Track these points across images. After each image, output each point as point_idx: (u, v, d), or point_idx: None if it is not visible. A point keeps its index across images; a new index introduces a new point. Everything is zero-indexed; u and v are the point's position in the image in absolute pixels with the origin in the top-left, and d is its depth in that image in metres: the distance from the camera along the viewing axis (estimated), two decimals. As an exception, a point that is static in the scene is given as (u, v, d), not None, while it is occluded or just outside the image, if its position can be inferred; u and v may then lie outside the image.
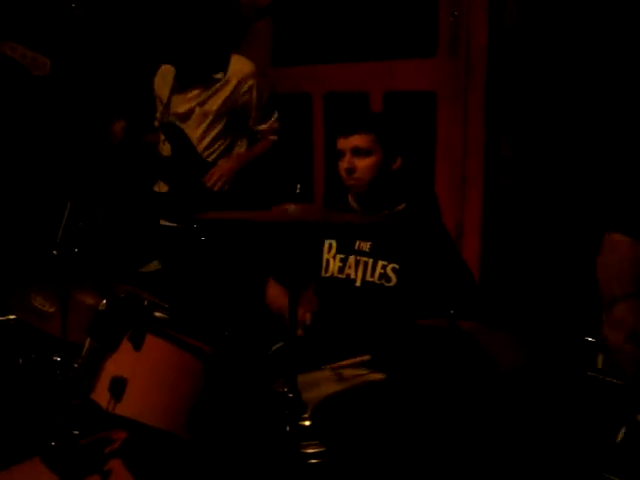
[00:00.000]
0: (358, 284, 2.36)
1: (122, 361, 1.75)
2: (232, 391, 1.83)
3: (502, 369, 1.94)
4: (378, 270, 2.33)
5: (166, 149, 3.18)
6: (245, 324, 2.64)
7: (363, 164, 2.31)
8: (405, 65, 3.27)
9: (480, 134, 3.01)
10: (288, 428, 1.67)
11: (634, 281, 1.61)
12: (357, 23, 3.44)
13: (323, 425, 1.77)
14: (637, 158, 1.82)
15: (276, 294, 2.44)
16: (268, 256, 2.77)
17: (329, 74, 3.55)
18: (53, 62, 2.90)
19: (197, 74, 3.06)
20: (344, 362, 2.07)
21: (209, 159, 3.11)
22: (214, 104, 3.06)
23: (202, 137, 3.10)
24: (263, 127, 3.18)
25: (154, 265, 3.51)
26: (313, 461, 1.70)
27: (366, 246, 2.38)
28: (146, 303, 1.78)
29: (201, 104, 3.07)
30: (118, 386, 1.71)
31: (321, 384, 1.98)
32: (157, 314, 1.78)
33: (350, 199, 2.43)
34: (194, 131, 3.09)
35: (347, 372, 2.04)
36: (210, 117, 3.07)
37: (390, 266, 2.32)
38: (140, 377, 1.74)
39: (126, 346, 1.75)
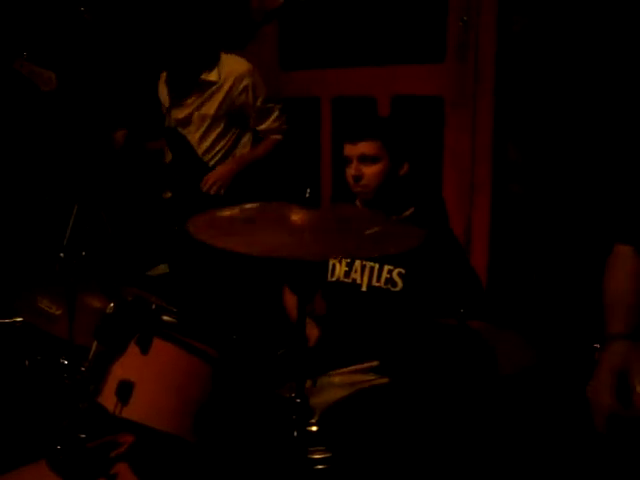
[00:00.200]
0: (364, 289, 2.36)
1: (129, 365, 1.75)
2: (239, 395, 1.82)
3: (511, 369, 1.93)
4: (384, 275, 2.33)
5: (169, 155, 3.19)
6: (252, 328, 2.63)
7: (370, 171, 2.31)
8: (413, 70, 3.27)
9: (488, 139, 3.00)
10: (295, 433, 1.67)
11: (635, 312, 1.58)
12: (366, 27, 3.44)
13: (330, 431, 1.76)
14: None
15: (293, 305, 2.45)
16: (274, 260, 2.76)
17: (337, 78, 3.54)
18: (59, 73, 2.94)
19: (184, 74, 3.05)
20: (352, 367, 2.07)
21: (211, 162, 3.11)
22: (211, 107, 3.06)
23: (201, 141, 3.10)
24: (263, 127, 3.16)
25: (162, 268, 3.51)
26: (320, 467, 1.70)
27: (372, 251, 2.37)
28: (153, 306, 1.78)
29: (198, 108, 3.07)
30: (125, 390, 1.71)
31: (329, 389, 1.97)
32: (164, 318, 1.78)
33: (357, 203, 2.43)
34: (194, 135, 3.10)
35: (355, 378, 2.04)
36: (208, 120, 3.07)
37: (396, 271, 2.31)
38: (147, 381, 1.74)
39: (133, 350, 1.75)
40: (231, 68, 3.05)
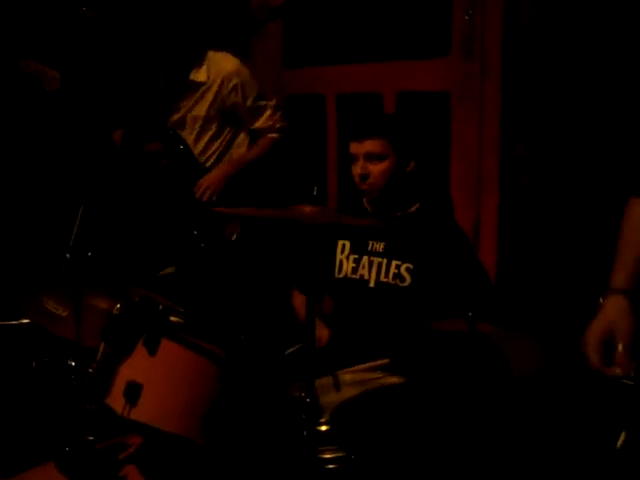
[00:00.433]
0: (372, 285, 2.34)
1: (137, 366, 1.74)
2: (248, 396, 1.81)
3: (522, 372, 1.92)
4: (392, 270, 2.31)
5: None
6: (260, 328, 2.62)
7: (376, 169, 2.29)
8: (418, 65, 3.24)
9: (496, 134, 2.98)
10: (305, 433, 1.66)
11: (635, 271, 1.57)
12: (370, 23, 3.42)
13: (341, 430, 1.75)
14: None
15: (301, 305, 2.44)
16: (282, 259, 2.75)
17: (342, 75, 3.52)
18: (62, 72, 2.94)
19: (172, 73, 3.04)
20: (362, 366, 2.06)
21: (207, 163, 3.10)
22: (202, 108, 3.04)
23: (196, 142, 3.09)
24: (257, 125, 3.11)
25: (169, 269, 3.50)
26: (331, 466, 1.69)
27: (380, 246, 2.36)
28: (161, 307, 1.77)
29: (190, 110, 3.06)
30: (133, 391, 1.70)
31: (339, 388, 1.96)
32: (172, 318, 1.77)
33: (364, 200, 2.42)
34: (189, 137, 3.09)
35: (365, 376, 2.02)
36: (200, 121, 3.06)
37: (404, 266, 2.30)
38: (155, 382, 1.73)
39: (141, 351, 1.74)
40: (219, 67, 3.02)
